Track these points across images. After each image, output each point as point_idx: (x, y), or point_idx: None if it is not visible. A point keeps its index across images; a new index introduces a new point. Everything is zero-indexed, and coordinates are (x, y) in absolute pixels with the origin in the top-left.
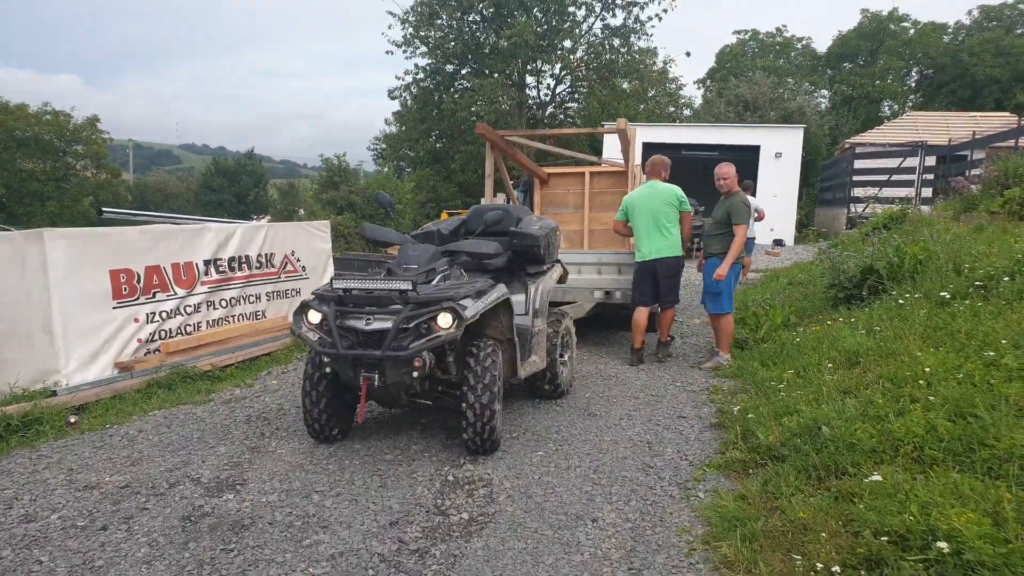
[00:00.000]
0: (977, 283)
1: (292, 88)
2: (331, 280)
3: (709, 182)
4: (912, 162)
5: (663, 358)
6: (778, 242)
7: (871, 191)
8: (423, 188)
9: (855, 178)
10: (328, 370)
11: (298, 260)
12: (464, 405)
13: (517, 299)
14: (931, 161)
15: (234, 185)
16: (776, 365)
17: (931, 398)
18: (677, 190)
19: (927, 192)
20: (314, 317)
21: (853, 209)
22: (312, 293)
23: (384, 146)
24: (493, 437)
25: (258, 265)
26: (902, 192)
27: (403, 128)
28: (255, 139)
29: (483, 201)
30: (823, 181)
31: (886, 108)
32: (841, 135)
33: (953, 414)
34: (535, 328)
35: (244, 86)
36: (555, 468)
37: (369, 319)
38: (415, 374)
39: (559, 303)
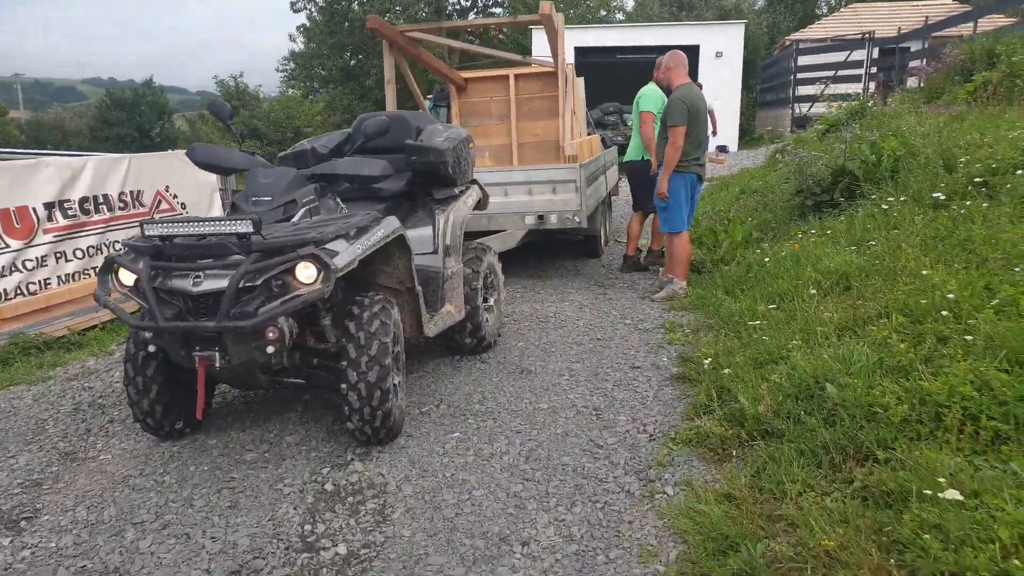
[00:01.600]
0: (977, 180)
1: (200, 15)
2: (142, 225)
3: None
4: (859, 55)
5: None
6: (722, 148)
7: (816, 88)
8: (336, 108)
9: (799, 75)
10: (154, 348)
11: (175, 196)
12: (345, 386)
13: (421, 234)
14: (876, 54)
15: (134, 118)
16: (745, 293)
17: (968, 337)
18: (644, 93)
19: (874, 87)
20: (127, 278)
21: (798, 109)
22: (124, 244)
23: (293, 66)
24: (389, 424)
25: (122, 205)
26: (850, 88)
27: (311, 44)
28: (168, 71)
29: None
30: (763, 82)
31: (823, 5)
32: (779, 34)
33: (1009, 362)
34: (448, 270)
35: (150, 14)
36: (475, 458)
37: (199, 277)
38: (270, 349)
39: (481, 233)
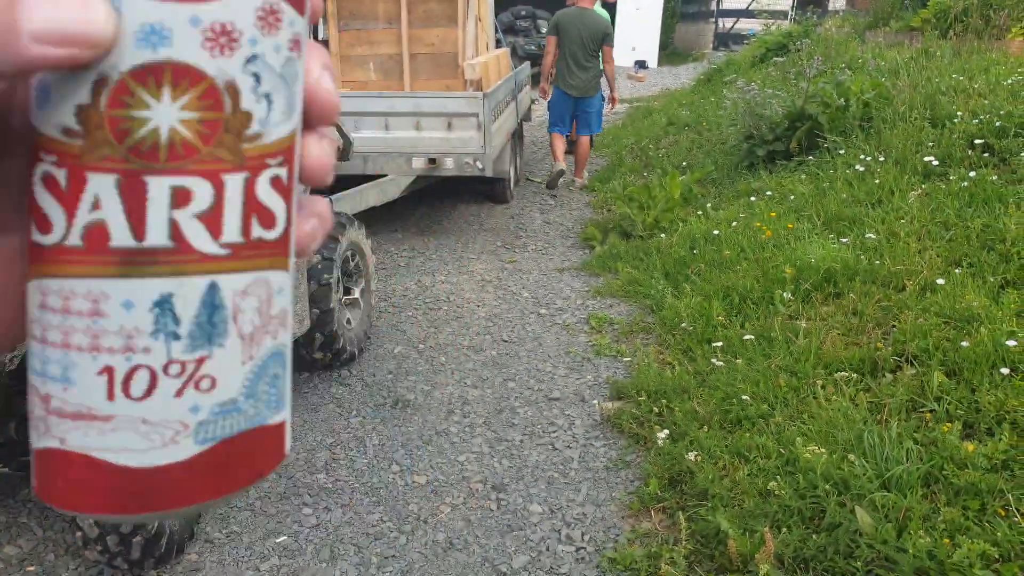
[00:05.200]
0: (977, 141)
1: None
2: None
3: None
4: None
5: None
6: (640, 63)
7: (743, 1)
8: None
9: None
10: None
11: None
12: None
13: None
14: None
15: None
16: (692, 284)
17: None
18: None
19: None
20: None
21: (722, 24)
22: None
23: None
24: (156, 552)
25: None
26: (776, 2)
27: None
28: None
29: None
30: None
31: None
32: None
33: None
34: None
35: None
36: None
37: None
38: None
39: (355, 180)
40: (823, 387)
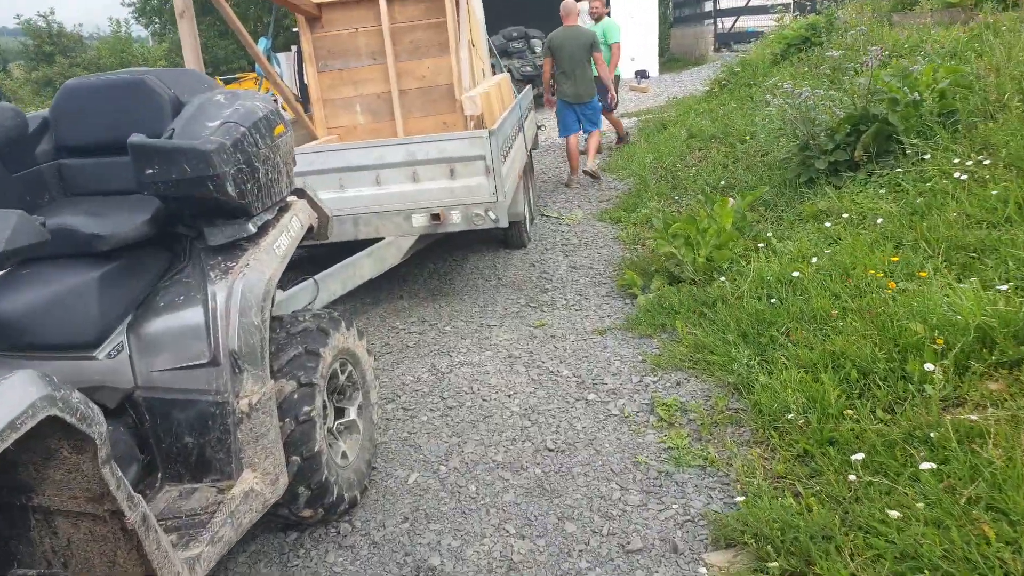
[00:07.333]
0: None
1: None
2: None
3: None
4: None
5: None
6: (641, 73)
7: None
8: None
9: None
10: None
11: None
12: None
13: (180, 324)
14: None
15: None
16: (785, 351)
17: None
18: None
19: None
20: None
21: (721, 25)
22: None
23: None
24: None
25: None
26: None
27: None
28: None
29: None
30: None
31: None
32: None
33: None
34: (243, 399)
35: None
36: None
37: None
38: None
39: (347, 248)
40: None
